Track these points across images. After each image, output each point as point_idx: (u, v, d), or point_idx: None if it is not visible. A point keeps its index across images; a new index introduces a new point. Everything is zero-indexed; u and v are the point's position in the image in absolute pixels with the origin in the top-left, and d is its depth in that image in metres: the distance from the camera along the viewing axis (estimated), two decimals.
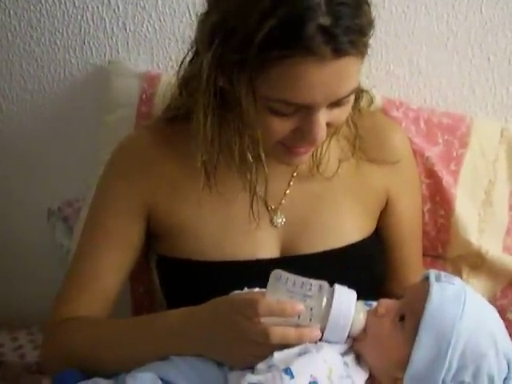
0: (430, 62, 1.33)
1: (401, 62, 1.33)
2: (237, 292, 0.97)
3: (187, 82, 1.06)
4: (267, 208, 1.10)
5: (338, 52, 0.88)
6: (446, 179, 1.26)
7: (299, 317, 0.88)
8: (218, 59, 0.92)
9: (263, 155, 0.98)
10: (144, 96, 1.30)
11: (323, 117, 0.93)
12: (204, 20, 0.97)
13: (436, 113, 1.30)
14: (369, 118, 1.15)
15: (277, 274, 0.90)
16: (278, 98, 0.91)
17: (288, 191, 1.11)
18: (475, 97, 1.34)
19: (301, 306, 0.87)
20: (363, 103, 1.15)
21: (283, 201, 1.11)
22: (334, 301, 0.88)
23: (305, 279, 0.90)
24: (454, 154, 1.28)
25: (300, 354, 0.85)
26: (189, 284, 1.09)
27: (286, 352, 0.85)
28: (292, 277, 0.90)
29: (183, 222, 1.09)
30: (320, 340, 0.88)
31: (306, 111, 0.93)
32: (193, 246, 1.08)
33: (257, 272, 1.02)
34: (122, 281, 1.12)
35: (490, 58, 1.32)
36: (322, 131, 0.94)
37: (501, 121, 1.34)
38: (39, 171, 1.46)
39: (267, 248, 1.09)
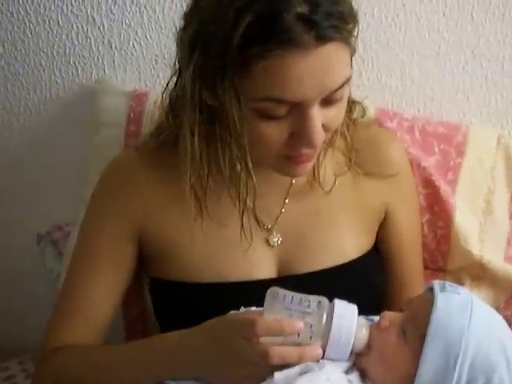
0: (422, 71, 1.31)
1: (392, 72, 1.31)
2: (233, 312, 0.94)
3: (173, 106, 1.04)
4: (262, 227, 1.07)
5: (321, 39, 0.85)
6: (444, 189, 1.23)
7: (299, 335, 0.84)
8: (200, 69, 0.90)
9: (250, 164, 0.94)
10: (132, 115, 1.28)
11: (317, 117, 0.90)
12: (182, 35, 0.95)
13: (431, 122, 1.28)
14: (364, 130, 1.12)
15: (274, 291, 0.87)
16: (266, 96, 0.87)
17: (283, 209, 1.08)
18: (469, 104, 1.32)
19: (300, 324, 0.84)
20: (356, 115, 1.12)
21: (279, 219, 1.08)
22: (335, 316, 0.84)
23: (303, 295, 0.87)
24: (451, 164, 1.25)
25: (301, 374, 0.81)
26: (183, 307, 1.05)
27: (287, 372, 0.82)
28: (289, 293, 0.87)
29: (175, 243, 1.06)
30: (322, 358, 0.85)
31: (299, 112, 0.89)
32: (186, 267, 1.05)
33: (253, 293, 1.00)
34: (115, 305, 1.09)
35: (482, 64, 1.30)
36: (318, 131, 0.91)
37: (496, 127, 1.32)
38: (27, 195, 1.43)
39: (263, 268, 1.06)
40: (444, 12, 1.27)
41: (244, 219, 1.02)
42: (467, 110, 1.32)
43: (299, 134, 0.91)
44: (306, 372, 0.81)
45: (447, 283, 0.88)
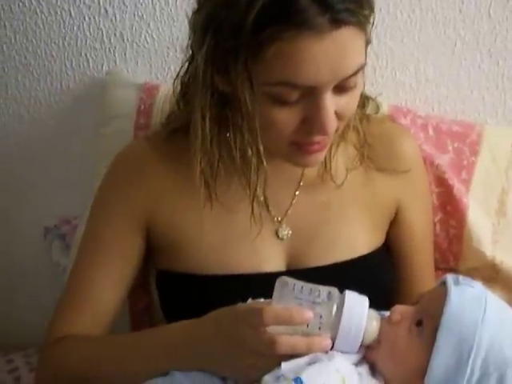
0: (437, 69, 1.29)
1: (407, 69, 1.30)
2: (241, 304, 0.92)
3: (184, 92, 1.03)
4: (272, 220, 1.06)
5: (336, 22, 0.84)
6: (458, 188, 1.21)
7: (308, 325, 0.82)
8: (213, 52, 0.89)
9: (262, 148, 0.93)
10: (142, 107, 1.26)
11: (331, 103, 0.88)
12: (195, 18, 0.94)
13: (445, 120, 1.26)
14: (377, 125, 1.11)
15: (283, 280, 0.85)
16: (279, 80, 0.86)
17: (294, 201, 1.07)
18: (484, 103, 1.30)
19: (309, 313, 0.82)
20: (369, 111, 1.11)
21: (289, 212, 1.06)
22: (345, 308, 0.83)
23: (313, 285, 0.85)
24: (465, 162, 1.23)
25: (310, 364, 0.79)
26: (190, 299, 1.03)
27: (295, 362, 0.80)
28: (299, 283, 0.85)
29: (184, 235, 1.04)
30: (331, 349, 0.83)
31: (312, 97, 0.88)
32: (194, 259, 1.03)
33: (262, 285, 0.98)
34: (121, 297, 1.08)
35: (499, 62, 1.28)
36: (331, 118, 0.89)
37: (511, 128, 1.30)
38: (36, 187, 1.41)
39: (272, 261, 1.04)
40: (460, 9, 1.26)
41: (254, 208, 1.00)
42: (482, 110, 1.31)
43: (311, 120, 0.90)
44: (314, 362, 0.79)
45: (461, 277, 0.86)
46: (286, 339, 0.81)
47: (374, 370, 0.85)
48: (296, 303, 0.83)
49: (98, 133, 1.30)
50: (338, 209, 1.07)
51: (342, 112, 0.92)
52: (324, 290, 0.84)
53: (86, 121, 1.36)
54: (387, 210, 1.11)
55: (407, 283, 1.14)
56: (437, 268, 1.21)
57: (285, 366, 0.79)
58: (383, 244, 1.11)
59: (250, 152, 0.93)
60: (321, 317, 0.82)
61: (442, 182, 1.21)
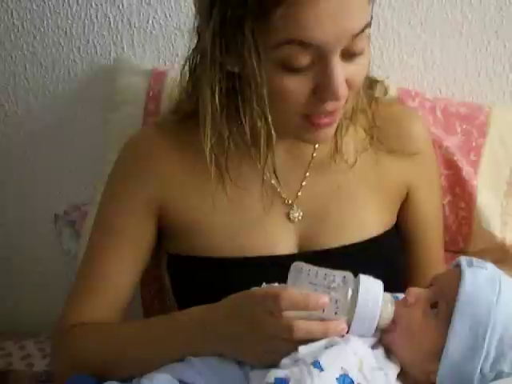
0: (444, 51, 1.29)
1: (414, 52, 1.30)
2: (255, 288, 0.92)
3: (192, 72, 1.03)
4: (283, 202, 1.06)
5: None
6: (466, 170, 1.22)
7: (324, 310, 0.83)
8: (220, 25, 0.89)
9: (270, 119, 0.93)
10: (151, 93, 1.27)
11: (340, 68, 0.89)
12: None
13: (453, 102, 1.26)
14: (386, 107, 1.11)
15: (298, 265, 0.86)
16: (286, 39, 0.87)
17: (304, 183, 1.07)
18: (492, 85, 1.31)
19: (325, 299, 0.83)
20: (378, 94, 1.11)
21: (299, 193, 1.07)
22: (360, 292, 0.83)
23: (327, 270, 0.86)
24: (474, 144, 1.24)
25: (327, 347, 0.80)
26: (202, 283, 1.04)
27: (312, 345, 0.81)
28: (314, 268, 0.86)
29: (196, 218, 1.05)
30: (347, 333, 0.84)
31: (321, 63, 0.88)
32: (206, 242, 1.04)
33: (274, 268, 0.98)
34: (133, 282, 1.08)
35: (506, 44, 1.28)
36: (341, 82, 0.89)
37: None
38: (45, 174, 1.42)
39: (284, 243, 1.05)
40: None
41: (265, 188, 1.01)
42: (489, 91, 1.31)
43: (322, 87, 0.90)
44: (331, 346, 0.80)
45: (474, 259, 0.87)
46: (303, 324, 0.82)
47: (389, 353, 0.85)
48: (311, 288, 0.84)
49: (107, 119, 1.30)
50: (348, 190, 1.07)
51: (352, 79, 0.92)
52: (339, 274, 0.85)
53: (95, 108, 1.36)
54: (397, 192, 1.12)
55: (417, 265, 1.14)
56: (446, 250, 1.22)
57: (302, 349, 0.80)
58: (393, 226, 1.12)
59: (259, 123, 0.93)
60: (336, 301, 0.83)
61: (450, 164, 1.22)
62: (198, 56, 0.98)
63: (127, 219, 1.06)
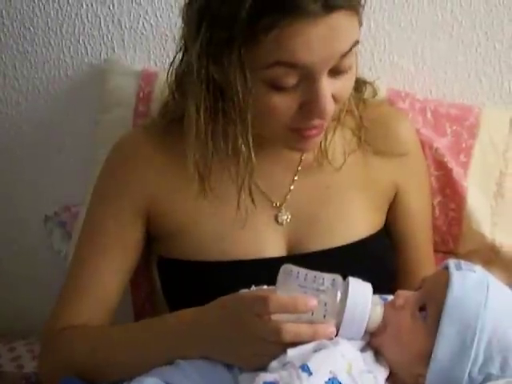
0: (434, 52, 1.29)
1: (405, 53, 1.30)
2: (244, 290, 0.93)
3: (179, 83, 1.03)
4: (271, 205, 1.06)
5: (328, 7, 0.86)
6: (456, 171, 1.22)
7: (312, 313, 0.83)
8: (207, 43, 0.90)
9: (251, 140, 0.94)
10: (141, 94, 1.26)
11: (327, 86, 0.90)
12: (189, 10, 0.95)
13: (443, 103, 1.26)
14: (374, 109, 1.12)
15: (287, 268, 0.86)
16: (275, 60, 0.87)
17: (293, 186, 1.07)
18: (482, 86, 1.31)
19: (314, 301, 0.83)
20: (367, 95, 1.11)
21: (288, 196, 1.07)
22: (349, 294, 0.84)
23: (317, 273, 0.86)
24: (463, 145, 1.24)
25: (315, 350, 0.80)
26: (192, 286, 1.04)
27: (301, 348, 0.81)
28: (303, 271, 0.86)
29: (183, 222, 1.05)
30: (335, 336, 0.84)
31: (309, 81, 0.89)
32: (194, 246, 1.04)
33: (263, 271, 0.99)
34: (123, 284, 1.08)
35: (495, 45, 1.29)
36: (328, 100, 0.91)
37: (509, 110, 1.30)
38: (35, 175, 1.41)
39: (273, 246, 1.05)
40: None
41: (243, 197, 1.01)
42: (480, 92, 1.31)
43: (309, 104, 0.91)
44: (320, 349, 0.80)
45: (462, 262, 0.87)
46: (292, 327, 0.82)
47: (377, 356, 0.86)
48: (300, 291, 0.84)
49: (98, 120, 1.30)
50: (336, 192, 1.08)
51: (339, 95, 0.94)
52: (328, 277, 0.85)
53: (85, 108, 1.35)
54: (386, 193, 1.12)
55: (406, 266, 1.15)
56: (436, 251, 1.23)
57: (291, 352, 0.80)
58: (383, 228, 1.12)
59: (240, 141, 0.94)
60: (325, 304, 0.83)
61: (441, 166, 1.22)
62: (185, 67, 0.98)
63: (116, 219, 1.06)
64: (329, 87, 0.90)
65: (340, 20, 0.87)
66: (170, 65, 1.04)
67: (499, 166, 1.24)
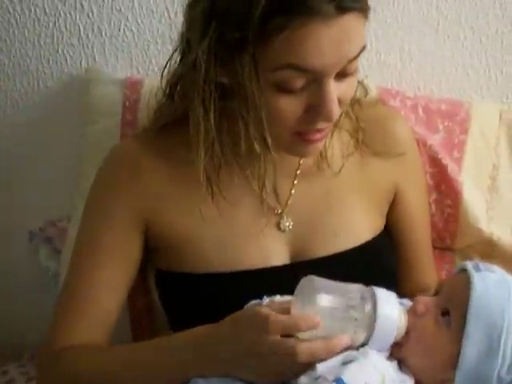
0: (421, 48, 1.29)
1: (392, 50, 1.29)
2: (254, 302, 0.91)
3: (177, 85, 1.00)
4: (272, 212, 1.04)
5: (342, 9, 0.85)
6: (451, 167, 1.22)
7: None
8: (216, 45, 0.88)
9: (269, 140, 0.92)
10: (127, 103, 1.23)
11: (334, 89, 0.89)
12: (193, 10, 0.92)
13: (433, 99, 1.26)
14: (369, 109, 1.10)
15: (312, 282, 0.82)
16: (286, 63, 0.86)
17: (293, 191, 1.06)
18: (469, 80, 1.31)
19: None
20: (358, 94, 1.10)
21: (289, 202, 1.05)
22: (379, 309, 0.81)
23: (343, 286, 0.83)
24: (456, 141, 1.24)
25: (345, 363, 0.79)
26: (195, 299, 1.01)
27: (330, 362, 0.79)
28: (328, 284, 0.83)
29: (184, 233, 1.02)
30: (362, 347, 0.82)
31: (316, 84, 0.88)
32: (196, 257, 1.01)
33: (267, 281, 0.99)
34: (121, 300, 1.05)
35: (481, 39, 1.29)
36: (336, 104, 0.90)
37: (496, 103, 1.31)
38: (19, 190, 1.37)
39: (277, 254, 1.03)
40: None
41: (255, 203, 1.00)
42: (467, 87, 1.31)
43: (316, 107, 0.90)
44: (350, 361, 0.78)
45: (480, 263, 0.87)
46: (306, 347, 0.80)
47: (400, 365, 0.84)
48: (330, 314, 0.81)
49: (83, 132, 1.26)
50: (337, 196, 1.07)
51: (343, 97, 0.93)
52: (355, 290, 0.83)
53: (68, 120, 1.31)
54: (385, 194, 1.11)
55: (407, 265, 1.14)
56: (433, 247, 1.22)
57: (321, 367, 0.78)
58: (383, 228, 1.11)
59: (256, 144, 0.92)
60: (356, 320, 0.81)
61: (435, 162, 1.22)
62: (188, 67, 0.94)
63: (112, 234, 1.03)
64: (335, 90, 0.90)
65: (352, 22, 0.87)
66: (165, 66, 1.01)
67: (492, 160, 1.25)
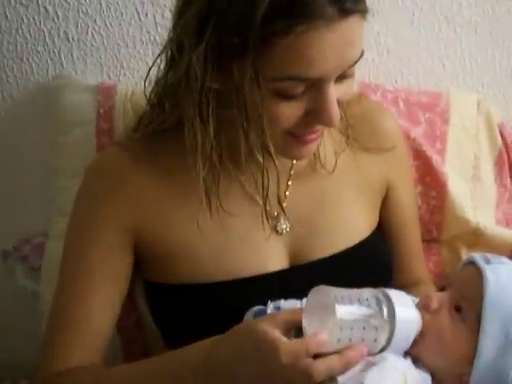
0: (397, 40, 1.28)
1: (368, 44, 1.24)
2: (257, 308, 0.89)
3: (171, 91, 0.95)
4: (269, 215, 1.00)
5: (345, 12, 0.83)
6: (436, 159, 1.21)
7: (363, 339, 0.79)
8: (213, 49, 0.84)
9: (273, 149, 0.89)
10: (101, 110, 1.17)
11: (334, 93, 0.87)
12: (184, 13, 0.87)
13: (412, 92, 1.26)
14: (356, 105, 1.08)
15: (326, 294, 0.78)
16: (288, 75, 0.83)
17: (288, 192, 1.03)
18: (445, 70, 1.31)
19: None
20: None
21: (284, 204, 1.02)
22: (397, 312, 0.79)
23: (356, 294, 0.80)
24: (438, 132, 1.24)
25: (364, 370, 0.76)
26: (193, 310, 0.98)
27: (350, 373, 0.76)
28: (343, 293, 0.79)
29: (178, 243, 0.98)
30: (380, 352, 0.80)
31: (317, 89, 0.86)
32: (193, 267, 0.98)
33: (267, 287, 0.96)
34: (113, 319, 1.01)
35: (456, 29, 1.29)
36: (336, 108, 0.87)
37: (473, 92, 1.31)
38: None
39: (275, 258, 1.01)
40: None
41: (253, 209, 0.98)
42: (443, 77, 1.31)
43: (317, 111, 0.88)
44: (370, 366, 0.76)
45: (488, 255, 0.86)
46: (322, 367, 0.76)
47: (416, 363, 0.82)
48: (351, 326, 0.77)
49: (55, 143, 1.20)
50: (333, 195, 1.05)
51: (341, 99, 0.91)
52: (370, 297, 0.80)
53: (37, 131, 1.25)
54: (379, 189, 1.11)
55: (397, 258, 1.13)
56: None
57: (341, 379, 0.76)
58: (378, 224, 1.10)
59: (257, 153, 0.89)
60: (376, 328, 0.78)
61: (419, 155, 1.22)
62: (180, 74, 0.89)
63: (103, 253, 0.99)
64: (335, 93, 0.88)
65: (354, 26, 0.85)
66: (148, 72, 0.97)
67: (473, 150, 1.26)
